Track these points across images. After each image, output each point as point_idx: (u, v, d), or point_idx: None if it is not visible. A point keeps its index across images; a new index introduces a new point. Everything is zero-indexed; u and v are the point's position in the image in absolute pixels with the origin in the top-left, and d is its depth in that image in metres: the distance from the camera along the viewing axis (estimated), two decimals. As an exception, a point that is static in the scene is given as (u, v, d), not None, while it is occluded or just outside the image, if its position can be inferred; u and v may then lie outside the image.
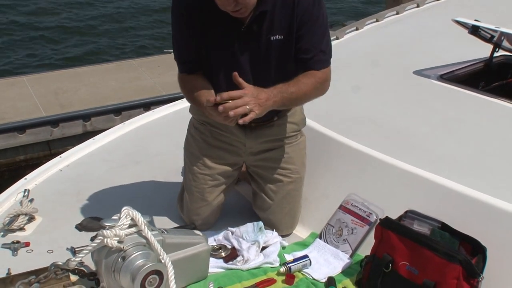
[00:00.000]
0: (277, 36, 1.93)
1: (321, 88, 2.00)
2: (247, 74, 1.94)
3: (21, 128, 5.53)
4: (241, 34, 1.92)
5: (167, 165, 2.67)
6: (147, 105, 5.84)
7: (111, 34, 9.64)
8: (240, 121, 1.77)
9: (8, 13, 10.13)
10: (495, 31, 2.97)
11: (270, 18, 1.90)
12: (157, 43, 9.30)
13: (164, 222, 2.23)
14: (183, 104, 3.24)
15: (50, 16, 10.14)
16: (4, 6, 10.36)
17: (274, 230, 2.18)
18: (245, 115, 1.76)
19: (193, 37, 1.97)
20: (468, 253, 1.76)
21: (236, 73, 1.81)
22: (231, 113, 1.74)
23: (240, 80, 1.81)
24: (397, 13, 4.26)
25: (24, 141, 5.58)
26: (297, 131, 2.20)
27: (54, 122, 5.65)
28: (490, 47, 3.12)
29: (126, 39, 9.55)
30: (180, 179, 2.39)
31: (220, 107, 1.74)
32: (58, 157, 2.72)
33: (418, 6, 4.40)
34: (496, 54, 3.14)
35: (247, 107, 1.76)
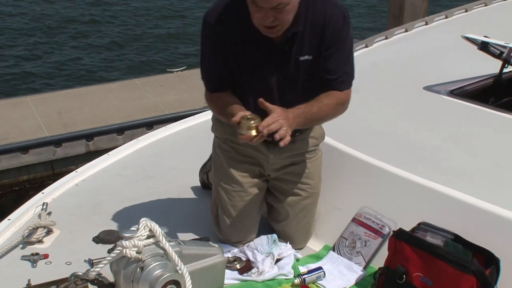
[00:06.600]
0: (306, 56, 1.92)
1: (341, 109, 2.02)
2: (274, 94, 1.95)
3: (24, 148, 5.54)
4: (272, 54, 1.92)
5: (181, 179, 2.71)
6: (150, 124, 5.88)
7: (115, 53, 9.70)
8: (282, 144, 1.77)
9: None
10: (505, 47, 3.01)
11: (301, 39, 1.90)
12: (160, 62, 9.33)
13: (178, 235, 2.25)
14: (196, 120, 3.30)
15: (53, 32, 10.26)
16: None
17: (288, 242, 2.20)
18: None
19: (223, 55, 1.95)
20: (482, 265, 1.77)
21: (262, 99, 1.80)
22: (277, 136, 1.75)
23: (267, 104, 1.80)
24: (406, 31, 4.30)
25: (27, 161, 5.59)
26: (316, 145, 2.21)
27: (57, 142, 5.66)
28: (499, 63, 3.15)
29: (130, 58, 9.60)
30: (192, 193, 2.43)
31: (265, 131, 1.75)
32: (74, 172, 2.77)
33: (426, 24, 4.44)
34: (505, 70, 3.17)
35: (284, 128, 1.77)
